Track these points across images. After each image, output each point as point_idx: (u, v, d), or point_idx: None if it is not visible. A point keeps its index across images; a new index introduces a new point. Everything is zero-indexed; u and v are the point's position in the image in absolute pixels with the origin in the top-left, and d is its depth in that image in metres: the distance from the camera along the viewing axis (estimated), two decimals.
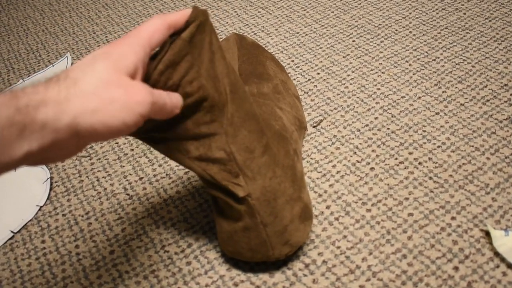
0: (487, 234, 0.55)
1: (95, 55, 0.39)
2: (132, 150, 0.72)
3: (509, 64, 0.76)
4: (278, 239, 0.52)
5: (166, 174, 0.67)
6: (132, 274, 0.57)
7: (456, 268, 0.53)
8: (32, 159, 0.36)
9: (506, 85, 0.72)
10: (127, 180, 0.68)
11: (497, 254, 0.53)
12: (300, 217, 0.52)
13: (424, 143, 0.66)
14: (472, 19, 0.86)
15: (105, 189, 0.67)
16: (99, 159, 0.71)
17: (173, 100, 0.43)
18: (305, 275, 0.54)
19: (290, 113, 0.62)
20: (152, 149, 0.71)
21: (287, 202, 0.51)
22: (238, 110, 0.48)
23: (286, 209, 0.51)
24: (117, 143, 0.73)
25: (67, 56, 0.93)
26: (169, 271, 0.56)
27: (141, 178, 0.67)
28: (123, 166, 0.70)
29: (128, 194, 0.66)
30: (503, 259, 0.53)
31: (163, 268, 0.57)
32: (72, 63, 0.91)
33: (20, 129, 0.34)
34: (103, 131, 0.37)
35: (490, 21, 0.85)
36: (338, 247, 0.56)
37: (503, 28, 0.83)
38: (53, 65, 0.92)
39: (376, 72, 0.78)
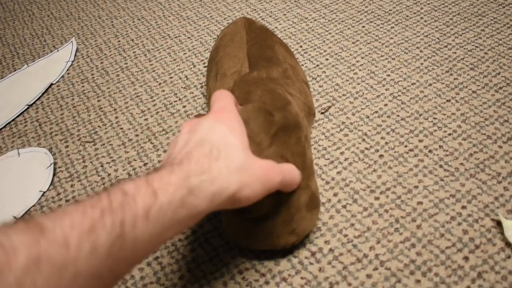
0: (498, 223, 0.54)
1: (219, 127, 0.44)
2: (137, 135, 0.71)
3: None
4: (284, 228, 0.50)
5: None
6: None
7: (466, 258, 0.51)
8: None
9: None
10: (132, 166, 0.67)
11: (508, 244, 0.52)
12: (307, 206, 0.51)
13: (435, 130, 0.64)
14: (485, 5, 0.84)
15: (109, 175, 0.66)
16: (103, 144, 0.70)
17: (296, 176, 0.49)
18: (311, 263, 0.53)
19: (299, 99, 0.60)
20: (156, 134, 0.70)
21: (295, 190, 0.50)
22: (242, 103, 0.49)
23: (293, 197, 0.50)
24: (121, 128, 0.72)
25: (72, 41, 0.92)
26: (173, 258, 0.55)
27: (145, 164, 0.66)
28: (128, 152, 0.69)
29: None
30: None
31: (166, 255, 0.56)
32: (77, 49, 0.90)
33: (189, 208, 0.38)
34: (248, 201, 0.43)
35: (503, 7, 0.83)
36: (345, 235, 0.55)
37: None
38: (58, 50, 0.90)
39: (386, 58, 0.76)
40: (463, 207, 0.56)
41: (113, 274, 0.34)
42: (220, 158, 0.41)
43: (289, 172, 0.48)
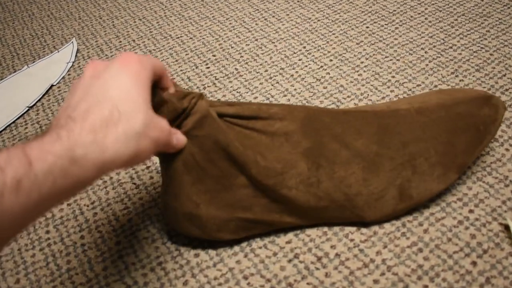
0: (506, 228, 0.53)
1: (123, 78, 0.41)
2: None
3: None
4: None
5: None
6: (138, 266, 0.55)
7: (474, 263, 0.51)
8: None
9: None
10: (134, 169, 0.66)
11: None
12: None
13: None
14: (490, 5, 0.83)
15: (111, 178, 0.65)
16: None
17: (179, 141, 0.48)
18: (317, 269, 0.52)
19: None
20: None
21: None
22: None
23: None
24: None
25: (72, 42, 0.91)
26: (177, 263, 0.55)
27: (148, 167, 0.66)
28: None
29: (134, 183, 0.64)
30: None
31: (170, 260, 0.55)
32: (77, 49, 0.89)
33: (75, 179, 0.36)
34: (139, 163, 0.42)
35: (508, 8, 0.82)
36: (352, 240, 0.54)
37: None
38: (58, 51, 0.90)
39: (390, 60, 0.75)
40: (471, 211, 0.55)
41: None
42: (120, 122, 0.38)
43: (174, 136, 0.47)
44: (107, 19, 0.97)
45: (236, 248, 0.55)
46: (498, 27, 0.78)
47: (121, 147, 0.38)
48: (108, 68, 0.42)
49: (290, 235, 0.55)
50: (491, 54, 0.74)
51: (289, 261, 0.53)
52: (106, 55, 0.87)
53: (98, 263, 0.56)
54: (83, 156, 0.36)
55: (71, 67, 0.86)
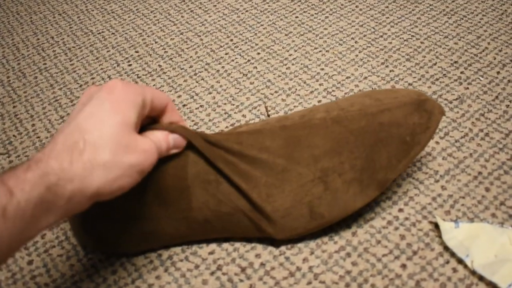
0: (436, 226, 0.51)
1: (104, 105, 0.40)
2: None
3: (459, 40, 0.71)
4: None
5: None
6: (52, 286, 0.51)
7: (403, 266, 0.49)
8: (54, 225, 0.40)
9: (456, 62, 0.68)
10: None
11: (446, 248, 0.49)
12: None
13: None
14: None
15: None
16: (18, 156, 0.64)
17: (175, 143, 0.46)
18: (241, 280, 0.49)
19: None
20: None
21: None
22: None
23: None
24: (38, 137, 0.66)
25: None
26: (93, 281, 0.51)
27: None
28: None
29: None
30: (453, 254, 0.49)
31: (86, 278, 0.51)
32: None
33: (48, 206, 0.36)
34: (117, 193, 0.40)
35: None
36: (278, 247, 0.51)
37: (453, 1, 0.79)
38: None
39: (320, 51, 0.72)
40: (400, 210, 0.53)
41: None
42: (85, 152, 0.38)
43: (163, 144, 0.45)
44: (25, 14, 0.91)
45: (156, 262, 0.51)
46: (429, 14, 0.77)
47: (89, 175, 0.38)
48: (93, 97, 0.42)
49: (213, 245, 0.52)
50: (421, 42, 0.72)
51: (212, 273, 0.50)
52: (22, 54, 0.81)
53: (8, 286, 0.52)
54: (56, 183, 0.36)
55: None
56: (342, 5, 0.80)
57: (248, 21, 0.80)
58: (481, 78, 0.66)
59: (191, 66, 0.73)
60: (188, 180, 0.48)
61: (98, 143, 0.39)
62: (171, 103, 0.47)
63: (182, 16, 0.83)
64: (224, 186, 0.48)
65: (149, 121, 0.47)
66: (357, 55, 0.71)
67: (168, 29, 0.81)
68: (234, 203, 0.48)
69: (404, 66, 0.68)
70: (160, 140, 0.45)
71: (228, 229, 0.50)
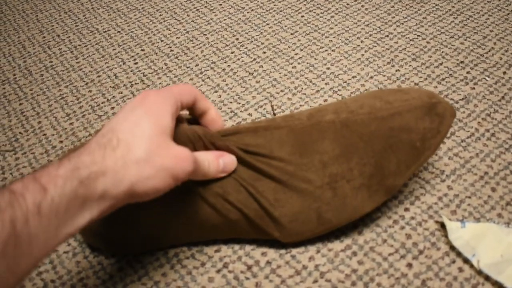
0: (443, 226, 0.51)
1: (136, 111, 0.41)
2: (61, 142, 0.65)
3: (465, 40, 0.71)
4: None
5: None
6: (58, 283, 0.51)
7: (409, 265, 0.49)
8: (92, 222, 0.38)
9: (462, 62, 0.68)
10: None
11: (453, 248, 0.49)
12: None
13: None
14: None
15: None
16: (25, 153, 0.65)
17: (225, 164, 0.47)
18: (247, 278, 0.49)
19: None
20: (82, 140, 0.65)
21: None
22: None
23: None
24: (44, 134, 0.66)
25: None
26: (99, 278, 0.51)
27: None
28: (51, 161, 0.63)
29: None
30: (459, 253, 0.49)
31: (92, 276, 0.51)
32: None
33: (82, 201, 0.36)
34: (152, 194, 0.40)
35: None
36: (284, 245, 0.51)
37: (459, 1, 0.79)
38: None
39: (326, 50, 0.72)
40: (406, 209, 0.53)
41: (13, 274, 0.34)
42: (119, 148, 0.38)
43: (202, 162, 0.45)
44: (31, 13, 0.91)
45: (163, 260, 0.52)
46: (435, 14, 0.77)
47: (121, 170, 0.38)
48: (127, 105, 0.43)
49: (219, 244, 0.52)
50: (427, 42, 0.72)
51: (218, 271, 0.50)
52: (28, 52, 0.81)
53: None
54: (87, 176, 0.36)
55: None
56: (348, 4, 0.80)
57: (254, 20, 0.80)
58: (487, 78, 0.66)
59: (197, 65, 0.73)
60: (199, 188, 0.48)
61: (132, 141, 0.39)
62: (198, 93, 0.47)
63: (188, 15, 0.84)
64: (233, 196, 0.48)
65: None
66: (363, 55, 0.71)
67: (174, 28, 0.81)
68: (243, 211, 0.48)
69: (410, 65, 0.68)
70: (208, 160, 0.46)
71: (235, 232, 0.50)
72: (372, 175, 0.47)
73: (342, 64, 0.70)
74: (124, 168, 0.38)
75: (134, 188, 0.39)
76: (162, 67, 0.74)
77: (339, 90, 0.66)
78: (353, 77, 0.68)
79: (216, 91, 0.68)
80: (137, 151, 0.39)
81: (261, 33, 0.77)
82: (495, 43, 0.71)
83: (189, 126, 0.46)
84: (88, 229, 0.50)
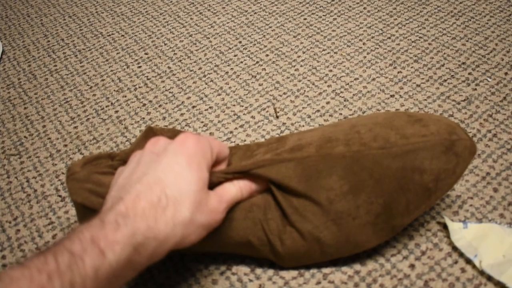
0: (445, 227, 0.52)
1: (179, 159, 0.42)
2: (66, 146, 0.66)
3: (467, 41, 0.72)
4: None
5: None
6: None
7: (412, 266, 0.49)
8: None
9: (463, 63, 0.68)
10: (60, 179, 0.62)
11: (455, 248, 0.50)
12: None
13: None
14: None
15: (35, 191, 0.61)
16: (30, 157, 0.65)
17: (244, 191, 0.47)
18: (250, 280, 0.50)
19: None
20: (87, 144, 0.65)
21: None
22: None
23: None
24: (49, 138, 0.67)
25: None
26: None
27: None
28: (55, 165, 0.64)
29: (60, 196, 0.60)
30: (461, 254, 0.49)
31: None
32: (3, 51, 0.84)
33: (134, 264, 0.38)
34: (186, 246, 0.41)
35: None
36: None
37: (460, 3, 0.79)
38: None
39: (328, 53, 0.73)
40: None
41: None
42: (168, 208, 0.40)
43: (235, 195, 0.46)
44: (36, 17, 0.92)
45: (168, 264, 0.52)
46: (436, 15, 0.77)
47: (170, 232, 0.39)
48: (167, 149, 0.43)
49: None
50: (429, 44, 0.72)
51: (222, 273, 0.50)
52: (33, 56, 0.82)
53: None
54: (142, 243, 0.38)
55: None
56: (350, 7, 0.81)
57: (257, 23, 0.81)
58: (489, 79, 0.66)
59: (200, 68, 0.74)
60: None
61: (179, 199, 0.40)
62: (227, 152, 0.48)
63: (191, 18, 0.84)
64: (237, 223, 0.48)
65: None
66: (365, 57, 0.71)
67: (177, 31, 0.82)
68: (247, 238, 0.47)
69: (412, 67, 0.69)
70: (240, 186, 0.46)
71: (236, 251, 0.50)
72: (379, 214, 0.46)
73: (344, 66, 0.70)
74: (172, 230, 0.39)
75: (175, 246, 0.40)
76: (165, 71, 0.74)
77: (341, 92, 0.66)
78: (356, 79, 0.68)
79: (219, 94, 0.69)
80: (183, 211, 0.40)
81: (264, 36, 0.78)
82: (496, 44, 0.71)
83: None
84: None
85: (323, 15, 0.80)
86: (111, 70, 0.76)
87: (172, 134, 0.50)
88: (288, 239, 0.47)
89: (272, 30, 0.79)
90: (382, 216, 0.46)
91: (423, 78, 0.67)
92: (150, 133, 0.50)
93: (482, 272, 0.48)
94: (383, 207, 0.46)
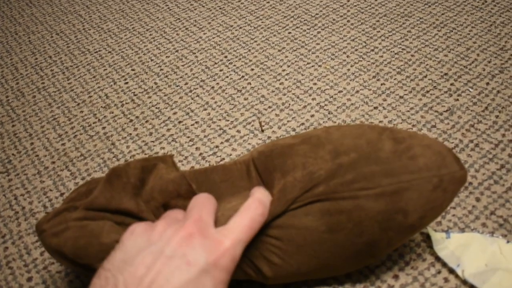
0: (428, 237, 0.52)
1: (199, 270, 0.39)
2: (54, 163, 0.66)
3: (449, 52, 0.73)
4: None
5: None
6: None
7: (396, 277, 0.49)
8: None
9: (446, 74, 0.69)
10: (47, 196, 0.62)
11: (438, 258, 0.50)
12: None
13: None
14: (412, 5, 0.83)
15: (23, 208, 0.62)
16: (17, 174, 0.66)
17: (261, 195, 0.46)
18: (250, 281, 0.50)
19: None
20: (74, 160, 0.66)
21: None
22: None
23: None
24: (37, 155, 0.68)
25: None
26: None
27: (62, 194, 0.62)
28: (43, 181, 0.64)
29: (48, 213, 0.60)
30: (444, 264, 0.50)
31: None
32: None
33: None
34: None
35: (429, 6, 0.82)
36: None
37: (442, 14, 0.80)
38: None
39: (312, 66, 0.74)
40: None
41: None
42: None
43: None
44: (23, 34, 0.92)
45: None
46: (419, 27, 0.78)
47: None
48: (171, 239, 0.41)
49: None
50: (412, 55, 0.73)
51: None
52: (21, 73, 0.82)
53: None
54: None
55: None
56: (334, 20, 0.82)
57: (242, 37, 0.82)
58: (470, 90, 0.67)
59: (186, 83, 0.75)
60: None
61: None
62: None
63: (177, 34, 0.85)
64: None
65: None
66: (349, 69, 0.72)
67: (164, 47, 0.82)
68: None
69: (395, 79, 0.70)
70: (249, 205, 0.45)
71: None
72: (359, 251, 0.46)
73: (328, 79, 0.71)
74: None
75: None
76: (152, 86, 0.75)
77: (325, 105, 0.67)
78: (340, 91, 0.69)
79: (205, 109, 0.70)
80: None
81: (249, 50, 0.79)
82: (478, 55, 0.72)
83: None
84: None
85: (307, 29, 0.81)
86: (98, 87, 0.77)
87: (139, 171, 0.47)
88: (274, 267, 0.47)
89: (257, 45, 0.79)
90: (362, 252, 0.46)
91: (406, 90, 0.68)
92: (113, 176, 0.47)
93: (465, 282, 0.48)
94: (364, 245, 0.45)
